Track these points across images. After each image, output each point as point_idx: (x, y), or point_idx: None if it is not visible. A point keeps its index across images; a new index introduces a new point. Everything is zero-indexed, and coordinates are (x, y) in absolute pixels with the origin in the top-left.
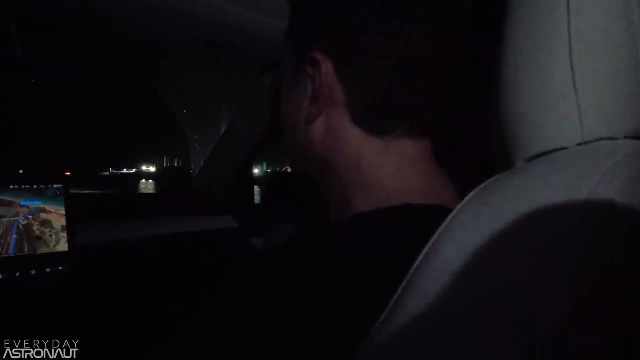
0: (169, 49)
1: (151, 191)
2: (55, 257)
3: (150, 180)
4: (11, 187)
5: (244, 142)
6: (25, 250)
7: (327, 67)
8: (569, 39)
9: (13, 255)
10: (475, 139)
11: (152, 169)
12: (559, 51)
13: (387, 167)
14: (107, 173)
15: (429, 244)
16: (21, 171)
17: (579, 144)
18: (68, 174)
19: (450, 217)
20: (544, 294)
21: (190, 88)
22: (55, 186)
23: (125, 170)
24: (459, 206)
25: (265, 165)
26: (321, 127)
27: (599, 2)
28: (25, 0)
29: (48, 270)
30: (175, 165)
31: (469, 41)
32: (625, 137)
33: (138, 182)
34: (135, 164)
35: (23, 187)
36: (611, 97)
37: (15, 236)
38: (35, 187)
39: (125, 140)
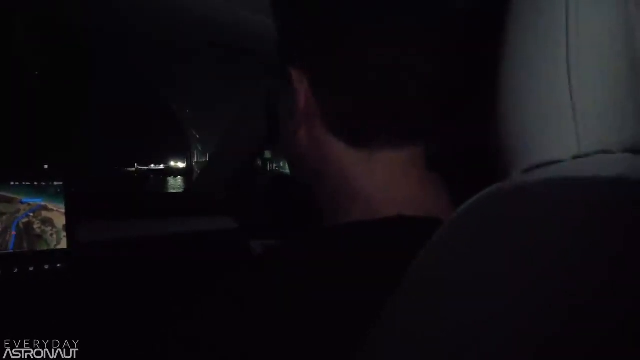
0: (171, 46)
1: (180, 189)
2: (53, 255)
3: (179, 177)
4: (12, 183)
5: (245, 143)
6: (25, 248)
7: (301, 81)
8: (566, 49)
9: (11, 251)
10: (473, 148)
11: (181, 165)
12: (557, 62)
13: (373, 177)
14: (133, 169)
15: (420, 255)
16: (46, 166)
17: (575, 157)
18: (89, 170)
19: (441, 228)
20: (536, 307)
21: (193, 87)
22: (56, 183)
23: (152, 166)
24: (451, 217)
25: None
26: (305, 138)
27: (599, 11)
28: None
29: (46, 267)
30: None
31: (462, 51)
32: (624, 151)
33: (165, 178)
34: (163, 159)
35: (24, 183)
36: (610, 109)
37: (14, 233)
38: (36, 183)
39: (152, 135)
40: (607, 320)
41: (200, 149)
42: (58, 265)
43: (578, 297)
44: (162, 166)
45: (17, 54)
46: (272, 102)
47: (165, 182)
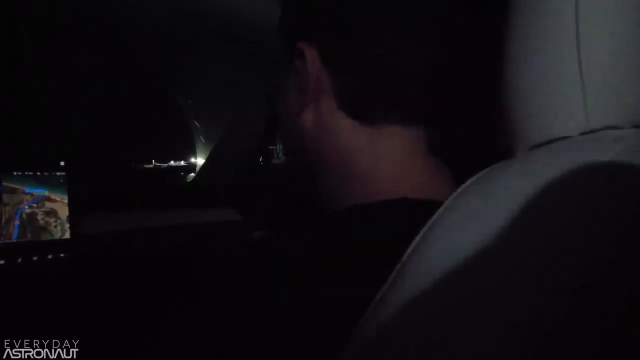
0: (174, 38)
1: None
2: (57, 244)
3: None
4: (15, 173)
5: (248, 136)
6: (28, 238)
7: (312, 56)
8: (575, 25)
9: (15, 241)
10: (478, 128)
11: (202, 162)
12: (565, 38)
13: (378, 157)
14: (151, 165)
15: (419, 235)
16: (62, 163)
17: (582, 133)
18: (107, 167)
19: (442, 207)
20: (539, 284)
21: (196, 78)
22: (58, 174)
23: (172, 163)
24: (452, 196)
25: None
26: (311, 118)
27: None
28: None
29: (50, 257)
30: None
31: (469, 32)
32: (632, 127)
33: (186, 176)
34: (184, 155)
35: (27, 173)
36: (618, 85)
37: (17, 223)
38: (39, 174)
39: (172, 129)
40: (610, 300)
41: (203, 140)
42: (61, 255)
43: (580, 275)
44: (182, 162)
45: (19, 46)
46: (274, 90)
47: (186, 180)
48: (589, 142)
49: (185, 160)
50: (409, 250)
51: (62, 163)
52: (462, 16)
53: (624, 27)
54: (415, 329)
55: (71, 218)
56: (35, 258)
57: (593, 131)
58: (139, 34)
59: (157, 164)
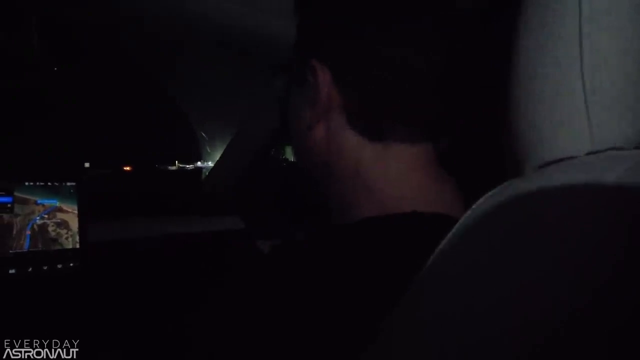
0: (180, 47)
1: None
2: (67, 254)
3: None
4: (26, 183)
5: (254, 143)
6: (40, 248)
7: (324, 74)
8: (579, 47)
9: (27, 251)
10: (485, 144)
11: None
12: (570, 59)
13: (387, 172)
14: (174, 167)
15: (437, 251)
16: (87, 164)
17: (587, 154)
18: (127, 168)
19: (458, 223)
20: (553, 299)
21: (201, 88)
22: (69, 184)
23: (199, 164)
24: (468, 212)
25: None
26: (322, 133)
27: (612, 9)
28: None
29: (59, 266)
30: None
31: (474, 47)
32: (635, 148)
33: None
34: (212, 156)
35: (38, 184)
36: (622, 106)
37: (28, 233)
38: (50, 184)
39: (184, 134)
40: (607, 323)
41: (208, 150)
42: (71, 264)
43: (594, 288)
44: (210, 163)
45: (29, 51)
46: (282, 99)
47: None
48: (595, 163)
49: (212, 161)
50: (430, 261)
51: (86, 164)
52: (469, 41)
53: (628, 49)
54: (437, 332)
55: (81, 229)
56: (45, 267)
57: (597, 152)
58: (142, 42)
59: (181, 165)
